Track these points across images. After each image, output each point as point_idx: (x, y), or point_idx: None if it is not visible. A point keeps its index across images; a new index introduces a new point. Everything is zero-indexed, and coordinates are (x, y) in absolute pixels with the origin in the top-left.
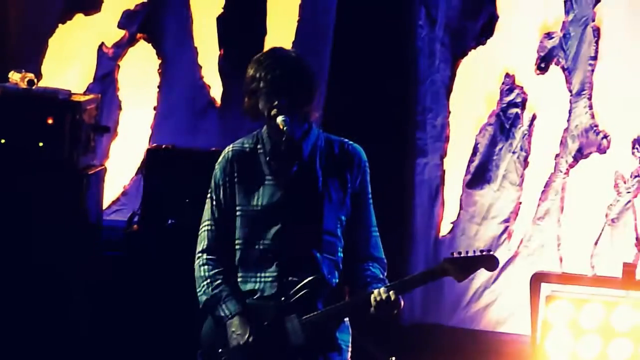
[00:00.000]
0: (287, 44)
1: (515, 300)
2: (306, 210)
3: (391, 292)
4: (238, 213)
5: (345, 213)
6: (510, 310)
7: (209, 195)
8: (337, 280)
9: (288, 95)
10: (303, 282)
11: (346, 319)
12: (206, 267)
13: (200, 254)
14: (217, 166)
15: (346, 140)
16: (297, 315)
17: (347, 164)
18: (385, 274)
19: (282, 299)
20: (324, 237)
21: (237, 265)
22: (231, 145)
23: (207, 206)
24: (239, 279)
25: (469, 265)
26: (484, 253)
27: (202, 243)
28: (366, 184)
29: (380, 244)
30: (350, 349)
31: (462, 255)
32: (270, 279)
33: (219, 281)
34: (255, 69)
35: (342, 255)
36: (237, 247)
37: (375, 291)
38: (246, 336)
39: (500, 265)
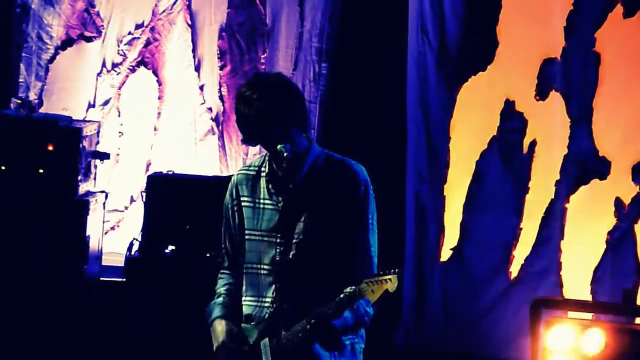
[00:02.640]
0: (287, 71)
1: (516, 326)
2: (300, 233)
3: (313, 320)
4: (246, 237)
5: (338, 234)
6: (511, 336)
7: (222, 218)
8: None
9: (281, 123)
10: (276, 306)
11: (353, 346)
12: (219, 280)
13: (218, 271)
14: (228, 190)
15: (348, 159)
16: (269, 338)
17: (346, 183)
18: None
19: (254, 323)
20: (318, 260)
21: (244, 288)
22: (239, 169)
23: (222, 228)
24: (244, 302)
25: (376, 284)
26: (386, 274)
27: (220, 263)
28: (365, 204)
29: (375, 267)
30: None
31: (374, 276)
32: (267, 304)
33: (220, 293)
34: (242, 104)
35: (334, 277)
36: (244, 270)
37: (311, 321)
38: (219, 337)
39: (501, 291)
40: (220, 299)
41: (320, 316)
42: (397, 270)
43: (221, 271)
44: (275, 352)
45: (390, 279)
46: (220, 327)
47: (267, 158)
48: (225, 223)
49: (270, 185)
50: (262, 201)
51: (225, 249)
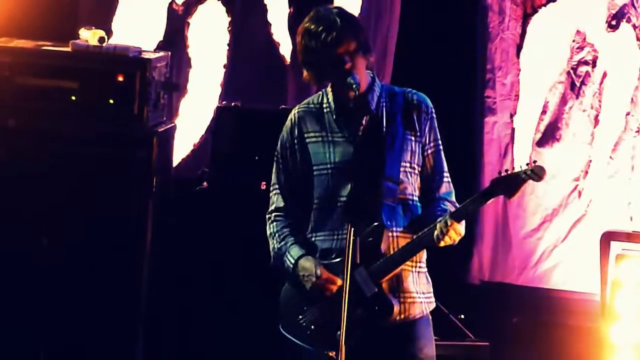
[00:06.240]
0: (357, 2)
1: (584, 259)
2: (379, 162)
3: (448, 219)
4: (314, 173)
5: (414, 160)
6: (579, 269)
7: (275, 157)
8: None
9: (348, 56)
10: (365, 232)
11: (427, 275)
12: (274, 223)
13: (269, 214)
14: (283, 128)
15: (409, 89)
16: (364, 266)
17: (414, 112)
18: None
19: (333, 256)
20: (397, 188)
21: (314, 225)
22: (297, 107)
23: (274, 169)
24: (316, 239)
25: (515, 180)
26: (528, 166)
27: (271, 205)
28: (434, 130)
29: (452, 189)
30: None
31: (508, 172)
32: (344, 236)
33: (285, 234)
34: (308, 38)
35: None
36: (314, 206)
37: (438, 225)
38: (314, 271)
39: (570, 223)
40: (292, 239)
41: (458, 212)
42: (534, 162)
43: (274, 214)
44: (374, 273)
45: (532, 170)
46: (309, 264)
47: (325, 94)
48: (282, 162)
49: (340, 118)
50: (331, 135)
51: (280, 188)
